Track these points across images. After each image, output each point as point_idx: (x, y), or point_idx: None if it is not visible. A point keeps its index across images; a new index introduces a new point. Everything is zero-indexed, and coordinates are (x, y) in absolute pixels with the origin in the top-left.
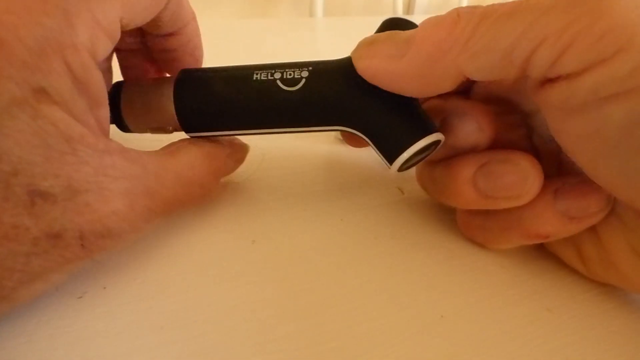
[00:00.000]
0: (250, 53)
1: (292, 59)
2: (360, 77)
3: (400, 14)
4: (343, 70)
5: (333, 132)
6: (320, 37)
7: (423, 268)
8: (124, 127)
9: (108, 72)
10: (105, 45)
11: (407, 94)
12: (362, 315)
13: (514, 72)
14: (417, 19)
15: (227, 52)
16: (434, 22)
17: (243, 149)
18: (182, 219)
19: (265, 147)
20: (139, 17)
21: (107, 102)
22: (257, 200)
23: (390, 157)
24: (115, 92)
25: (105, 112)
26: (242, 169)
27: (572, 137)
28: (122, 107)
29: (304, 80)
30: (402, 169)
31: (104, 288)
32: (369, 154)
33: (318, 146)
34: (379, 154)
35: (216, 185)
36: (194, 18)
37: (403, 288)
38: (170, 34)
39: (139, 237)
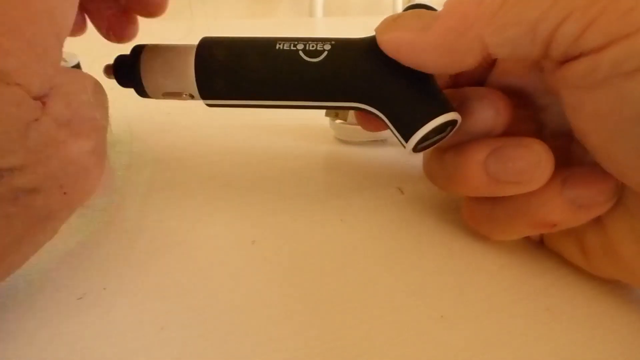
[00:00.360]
0: None
1: None
2: (382, 53)
3: None
4: (366, 46)
5: (333, 132)
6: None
7: (423, 268)
8: (141, 91)
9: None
10: (70, 8)
11: (429, 70)
12: (362, 316)
13: (537, 49)
14: None
15: None
16: None
17: None
18: (181, 220)
19: (260, 146)
20: None
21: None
22: (257, 200)
23: (406, 135)
24: (135, 55)
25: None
26: None
27: (590, 115)
28: (141, 70)
29: (326, 53)
30: (417, 149)
31: (104, 289)
32: (369, 154)
33: (318, 146)
34: (395, 132)
35: None
36: None
37: (403, 288)
38: None
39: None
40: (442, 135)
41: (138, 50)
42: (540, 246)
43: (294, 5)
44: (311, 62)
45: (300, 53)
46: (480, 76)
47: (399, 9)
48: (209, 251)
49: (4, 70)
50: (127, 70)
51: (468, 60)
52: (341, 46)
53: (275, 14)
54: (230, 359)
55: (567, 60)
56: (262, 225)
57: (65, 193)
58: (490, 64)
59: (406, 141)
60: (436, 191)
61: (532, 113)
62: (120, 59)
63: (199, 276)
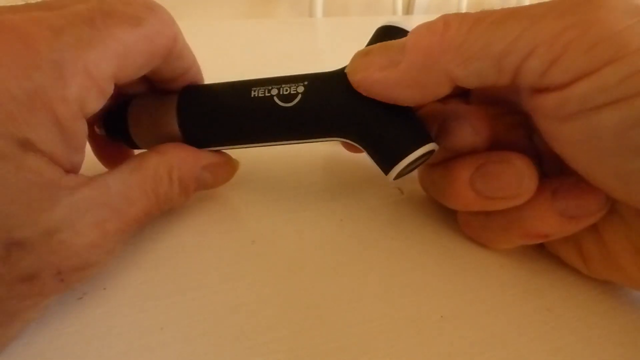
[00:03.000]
0: (250, 53)
1: (291, 60)
2: (355, 90)
3: (399, 14)
4: (338, 83)
5: None
6: (320, 37)
7: (423, 268)
8: (131, 144)
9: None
10: (97, 99)
11: (403, 103)
12: (362, 316)
13: (505, 80)
14: (416, 19)
15: (227, 52)
16: (424, 29)
17: (228, 165)
18: (182, 219)
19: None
20: (133, 74)
21: (84, 149)
22: (256, 200)
23: (386, 167)
24: (123, 109)
25: (82, 157)
26: None
27: (566, 144)
28: (129, 124)
29: (300, 96)
30: (398, 176)
31: (104, 289)
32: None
33: (318, 146)
34: (375, 163)
35: (188, 198)
36: (194, 63)
37: (403, 288)
38: (170, 79)
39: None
40: (422, 160)
41: (125, 104)
42: (540, 247)
43: (293, 6)
44: (286, 107)
45: (275, 99)
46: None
47: (399, 8)
48: (209, 251)
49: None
50: (116, 125)
51: (439, 92)
52: (314, 86)
53: (275, 14)
54: (230, 358)
55: (536, 91)
56: (262, 225)
57: (62, 280)
58: None
59: (386, 173)
60: None
61: (521, 118)
62: (108, 114)
63: (199, 276)
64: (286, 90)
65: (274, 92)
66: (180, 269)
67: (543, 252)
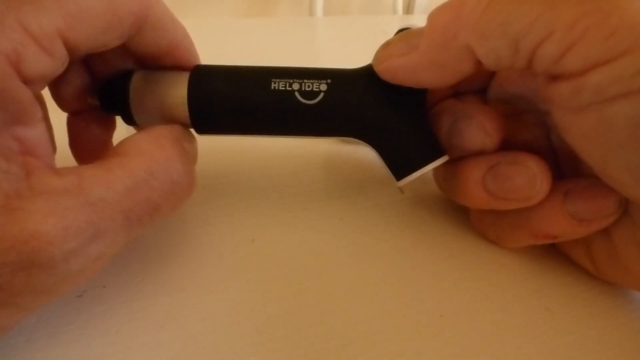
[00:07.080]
0: (250, 52)
1: (292, 58)
2: (376, 93)
3: (400, 13)
4: (360, 85)
5: None
6: (320, 36)
7: (423, 267)
8: (130, 120)
9: None
10: (38, 58)
11: (429, 86)
12: (362, 314)
13: (521, 63)
14: (417, 18)
15: (227, 51)
16: (441, 7)
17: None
18: (181, 218)
19: (260, 144)
20: (93, 38)
21: (36, 122)
22: (256, 199)
23: (399, 174)
24: (124, 81)
25: (34, 133)
26: None
27: (579, 136)
28: (130, 99)
29: (322, 94)
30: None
31: (104, 287)
32: (369, 154)
33: (318, 146)
34: (387, 168)
35: (193, 174)
36: (185, 36)
37: (403, 287)
38: (157, 55)
39: (106, 265)
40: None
41: (127, 76)
42: (546, 245)
43: (294, 4)
44: (307, 104)
45: (296, 94)
46: (482, 84)
47: (399, 8)
48: (209, 249)
49: None
50: (114, 96)
51: (461, 69)
52: (337, 86)
53: (275, 12)
54: (229, 356)
55: (552, 77)
56: (262, 224)
57: None
58: (490, 72)
59: (398, 180)
60: (436, 191)
61: (538, 117)
62: (107, 85)
63: (198, 274)
64: (308, 87)
65: (296, 86)
66: (179, 267)
67: (543, 252)
